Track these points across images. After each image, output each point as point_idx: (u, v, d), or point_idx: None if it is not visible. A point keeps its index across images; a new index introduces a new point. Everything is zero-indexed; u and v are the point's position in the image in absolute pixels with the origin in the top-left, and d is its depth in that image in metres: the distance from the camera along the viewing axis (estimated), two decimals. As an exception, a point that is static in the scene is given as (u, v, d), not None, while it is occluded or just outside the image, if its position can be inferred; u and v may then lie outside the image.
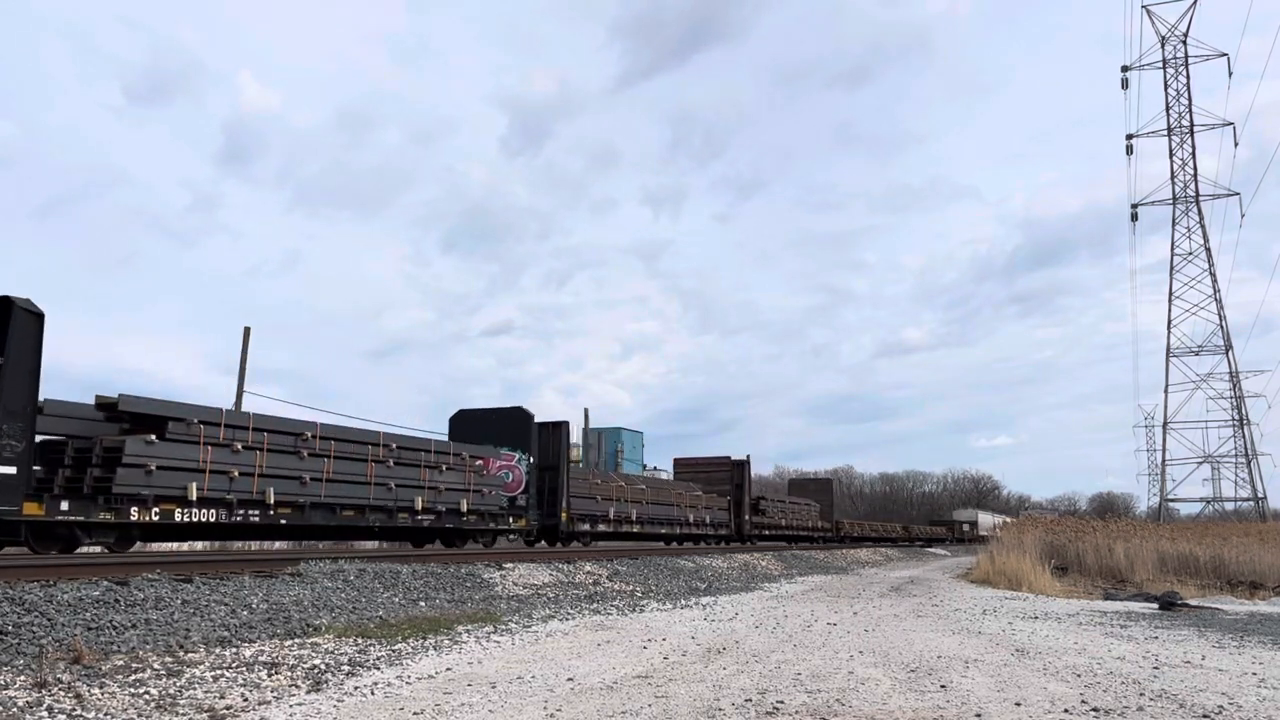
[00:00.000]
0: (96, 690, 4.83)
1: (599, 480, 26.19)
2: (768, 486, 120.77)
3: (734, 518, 34.56)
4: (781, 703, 5.06)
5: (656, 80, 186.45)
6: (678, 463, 38.08)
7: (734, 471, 36.16)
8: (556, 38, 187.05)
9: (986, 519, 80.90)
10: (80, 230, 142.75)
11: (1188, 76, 76.01)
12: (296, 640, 7.03)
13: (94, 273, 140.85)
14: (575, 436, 57.86)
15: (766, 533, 37.98)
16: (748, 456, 37.03)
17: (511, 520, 21.34)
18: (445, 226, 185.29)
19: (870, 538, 54.18)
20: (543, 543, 25.26)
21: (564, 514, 23.18)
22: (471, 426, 23.14)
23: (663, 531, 28.62)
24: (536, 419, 23.50)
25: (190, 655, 6.06)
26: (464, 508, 19.18)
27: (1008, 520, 77.77)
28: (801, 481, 52.46)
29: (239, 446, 14.45)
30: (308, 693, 5.13)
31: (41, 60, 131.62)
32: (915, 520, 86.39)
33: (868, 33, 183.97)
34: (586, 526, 24.57)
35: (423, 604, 10.04)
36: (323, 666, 5.92)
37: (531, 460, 22.51)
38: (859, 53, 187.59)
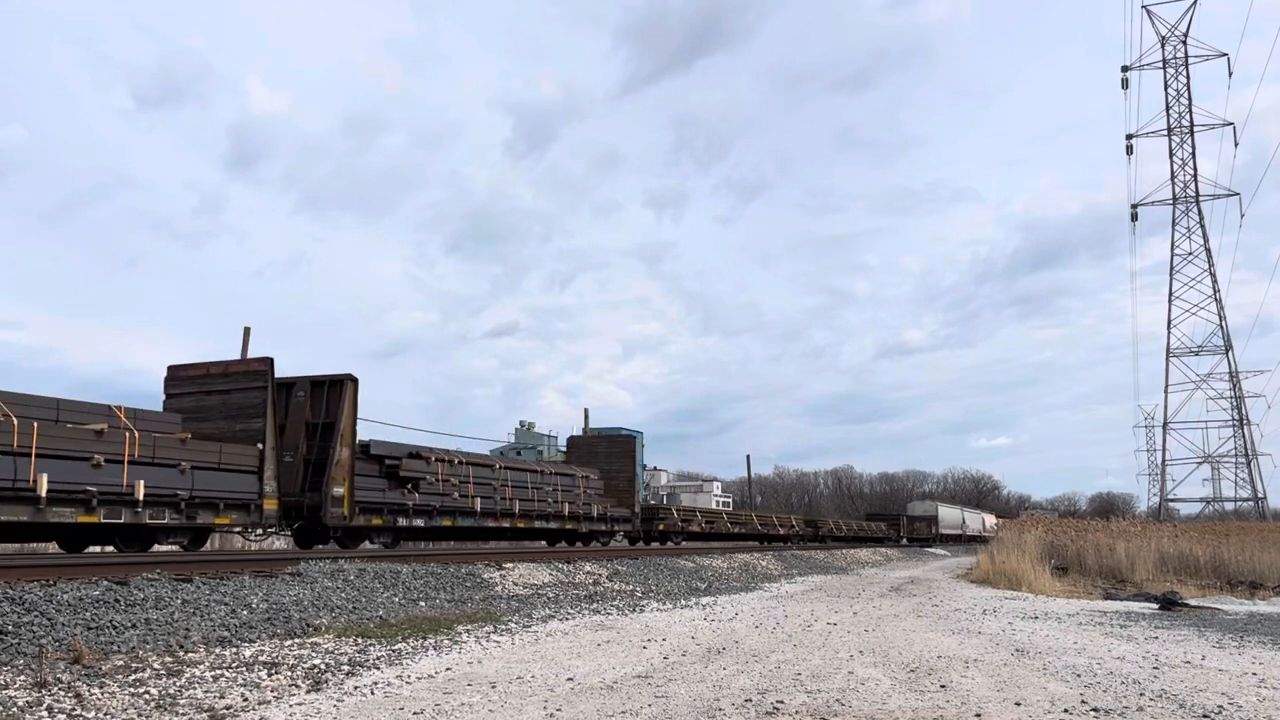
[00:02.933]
0: (96, 690, 4.83)
1: None
2: (767, 487, 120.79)
3: (272, 479, 15.40)
4: (781, 703, 5.06)
5: (660, 85, 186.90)
6: (170, 372, 16.70)
7: (290, 394, 17.09)
8: (561, 43, 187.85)
9: (952, 514, 68.35)
10: (89, 232, 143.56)
11: (1188, 76, 75.99)
12: (296, 640, 7.03)
13: (102, 274, 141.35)
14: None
15: (419, 524, 18.95)
16: (349, 376, 17.24)
17: None
18: (450, 229, 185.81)
19: (725, 535, 35.44)
20: (541, 542, 23.84)
21: None
22: None
23: None
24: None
25: (190, 655, 6.06)
26: None
27: (989, 519, 74.63)
28: (586, 441, 31.14)
29: None
30: (308, 692, 5.13)
31: (53, 65, 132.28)
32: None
33: (870, 38, 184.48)
34: None
35: (423, 604, 10.04)
36: (323, 666, 5.92)
37: None
38: (861, 58, 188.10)
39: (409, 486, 18.73)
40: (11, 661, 5.47)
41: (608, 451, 29.31)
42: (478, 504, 20.48)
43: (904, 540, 55.41)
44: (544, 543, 24.78)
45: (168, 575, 8.85)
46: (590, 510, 25.11)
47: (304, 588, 9.52)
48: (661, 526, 31.13)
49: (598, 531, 26.13)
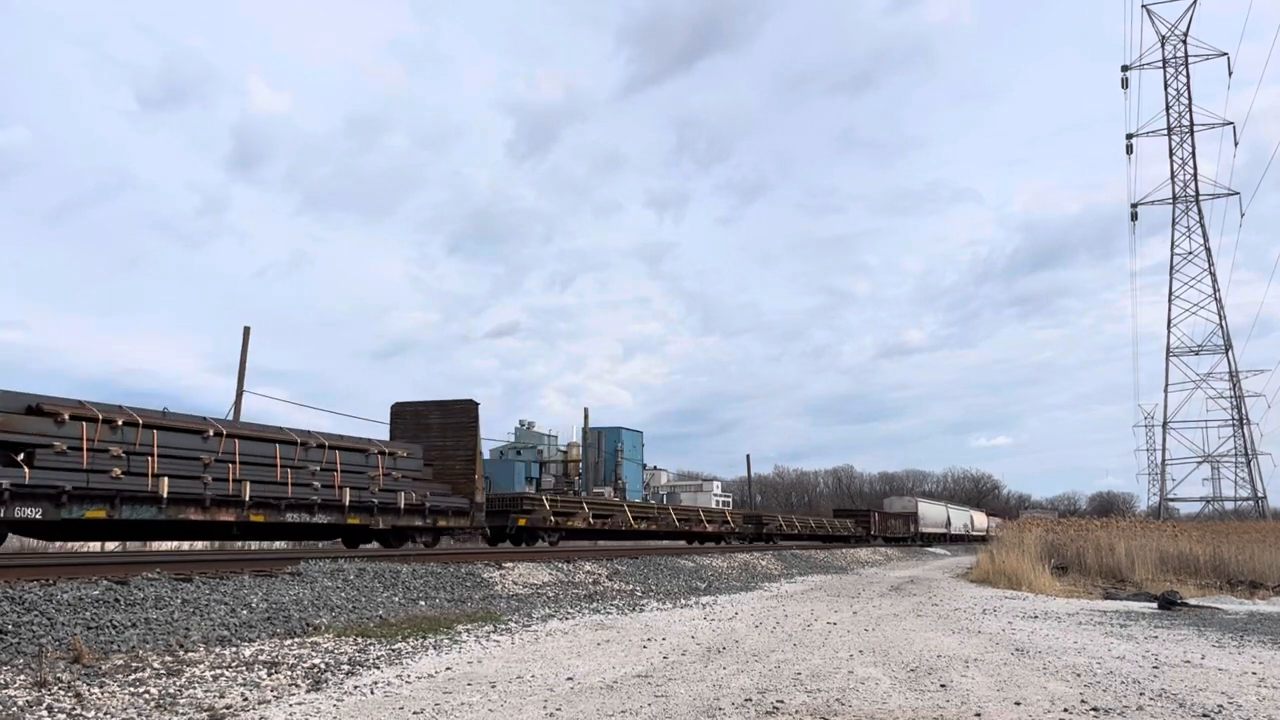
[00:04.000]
0: (96, 690, 4.83)
1: None
2: (767, 487, 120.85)
3: None
4: (781, 702, 5.06)
5: (662, 86, 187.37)
6: None
7: None
8: (563, 44, 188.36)
9: (935, 511, 61.06)
10: (91, 232, 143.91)
11: (1187, 76, 76.03)
12: (296, 640, 7.03)
13: (104, 274, 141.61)
14: (575, 436, 57.43)
15: (31, 515, 12.02)
16: None
17: None
18: (451, 229, 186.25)
19: (627, 534, 27.66)
20: (542, 541, 23.11)
21: None
22: None
23: None
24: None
25: (190, 655, 6.06)
26: None
27: (980, 518, 72.55)
28: (414, 409, 21.96)
29: None
30: (308, 692, 5.13)
31: (56, 66, 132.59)
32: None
33: (871, 40, 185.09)
34: None
35: (423, 603, 10.04)
36: (322, 666, 5.91)
37: None
38: (862, 59, 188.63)
39: (19, 458, 12.29)
40: (11, 661, 5.47)
41: (441, 423, 21.63)
42: (164, 486, 13.64)
43: (877, 540, 48.38)
44: (338, 541, 18.98)
45: (167, 575, 8.86)
46: (396, 500, 18.07)
47: (304, 587, 9.52)
48: (523, 521, 23.40)
49: (411, 529, 18.73)
